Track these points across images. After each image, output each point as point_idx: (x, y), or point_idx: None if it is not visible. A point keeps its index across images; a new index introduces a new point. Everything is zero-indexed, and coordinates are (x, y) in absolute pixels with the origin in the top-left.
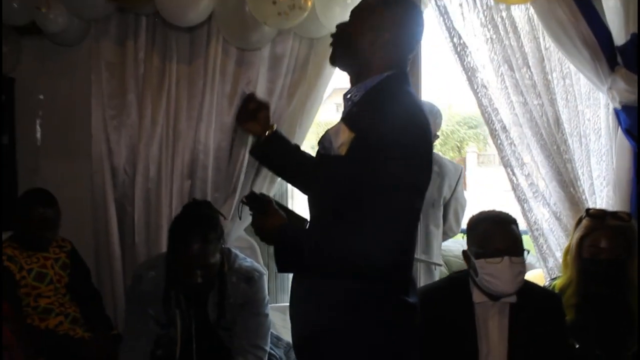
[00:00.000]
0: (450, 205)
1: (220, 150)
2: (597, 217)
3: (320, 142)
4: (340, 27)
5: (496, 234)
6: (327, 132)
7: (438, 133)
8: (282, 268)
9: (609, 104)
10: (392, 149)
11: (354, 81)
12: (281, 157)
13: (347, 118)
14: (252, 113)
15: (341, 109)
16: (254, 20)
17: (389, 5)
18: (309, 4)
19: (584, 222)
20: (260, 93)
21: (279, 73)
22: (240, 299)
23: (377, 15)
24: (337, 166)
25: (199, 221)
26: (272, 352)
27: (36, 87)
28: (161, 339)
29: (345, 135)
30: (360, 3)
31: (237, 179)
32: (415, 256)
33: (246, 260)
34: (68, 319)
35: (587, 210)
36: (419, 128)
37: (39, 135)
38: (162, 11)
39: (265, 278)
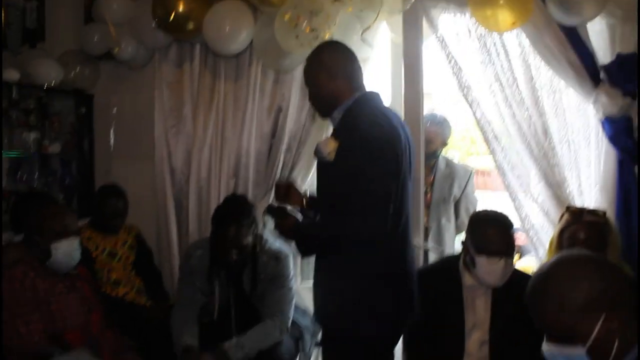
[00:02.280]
0: (461, 203)
1: (260, 154)
2: (576, 214)
3: (315, 153)
4: (309, 96)
5: (498, 237)
6: (318, 144)
7: (448, 141)
8: (303, 253)
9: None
10: (362, 152)
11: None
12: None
13: (334, 132)
14: (285, 195)
15: None
16: (284, 50)
17: (321, 51)
18: (327, 35)
19: (565, 217)
20: (293, 107)
21: None
22: (269, 274)
23: (318, 62)
24: (328, 170)
25: (234, 210)
26: (297, 322)
27: (110, 102)
28: (205, 307)
29: (332, 145)
30: (304, 68)
31: (274, 178)
32: (422, 243)
33: (275, 244)
34: (134, 290)
35: (568, 207)
36: (380, 132)
37: (112, 141)
38: (209, 43)
39: (291, 258)
